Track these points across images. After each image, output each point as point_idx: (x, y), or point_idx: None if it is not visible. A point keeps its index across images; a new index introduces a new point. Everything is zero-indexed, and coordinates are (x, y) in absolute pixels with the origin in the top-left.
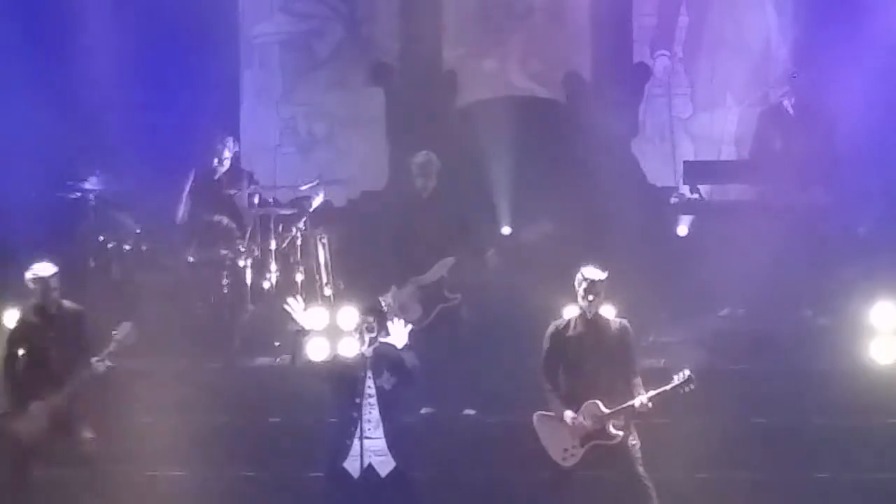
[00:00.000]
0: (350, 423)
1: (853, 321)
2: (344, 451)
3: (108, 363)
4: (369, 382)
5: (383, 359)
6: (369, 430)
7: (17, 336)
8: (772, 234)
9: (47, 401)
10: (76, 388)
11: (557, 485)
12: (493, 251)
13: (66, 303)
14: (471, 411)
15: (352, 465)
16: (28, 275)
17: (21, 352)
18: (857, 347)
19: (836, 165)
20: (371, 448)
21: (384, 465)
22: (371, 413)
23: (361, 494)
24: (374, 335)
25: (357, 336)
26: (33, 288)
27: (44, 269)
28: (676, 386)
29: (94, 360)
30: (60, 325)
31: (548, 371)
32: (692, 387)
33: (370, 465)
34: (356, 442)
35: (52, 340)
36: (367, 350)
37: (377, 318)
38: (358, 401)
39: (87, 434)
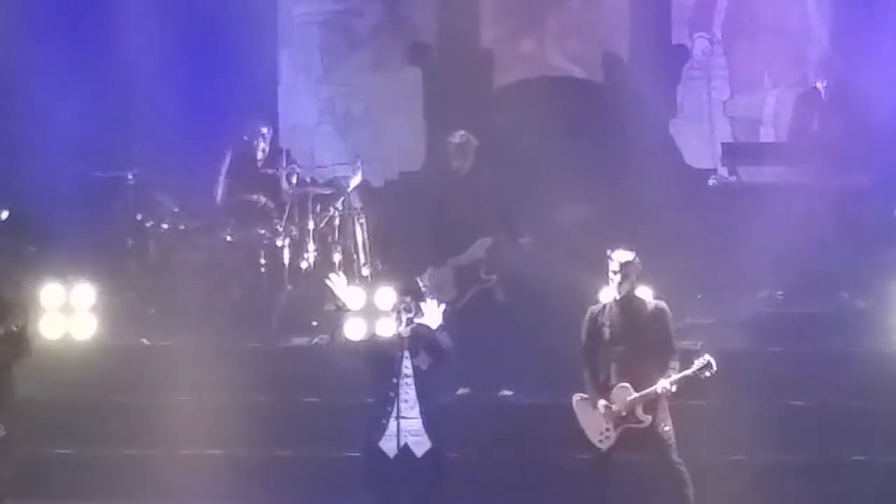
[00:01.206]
0: (387, 403)
1: (891, 304)
2: (380, 431)
3: None
4: (406, 362)
5: (420, 339)
6: (406, 409)
7: None
8: (809, 217)
9: None
10: None
11: (595, 466)
12: (526, 237)
13: None
14: (508, 392)
15: (388, 445)
16: None
17: None
18: (894, 329)
19: (873, 148)
20: (407, 428)
21: (420, 445)
22: (408, 393)
23: (397, 474)
24: (411, 315)
25: (394, 316)
26: None
27: None
28: (696, 371)
29: None
30: None
31: (586, 357)
32: (712, 371)
33: (406, 445)
34: (393, 422)
35: None
36: (405, 330)
37: (414, 299)
38: (395, 381)
39: None
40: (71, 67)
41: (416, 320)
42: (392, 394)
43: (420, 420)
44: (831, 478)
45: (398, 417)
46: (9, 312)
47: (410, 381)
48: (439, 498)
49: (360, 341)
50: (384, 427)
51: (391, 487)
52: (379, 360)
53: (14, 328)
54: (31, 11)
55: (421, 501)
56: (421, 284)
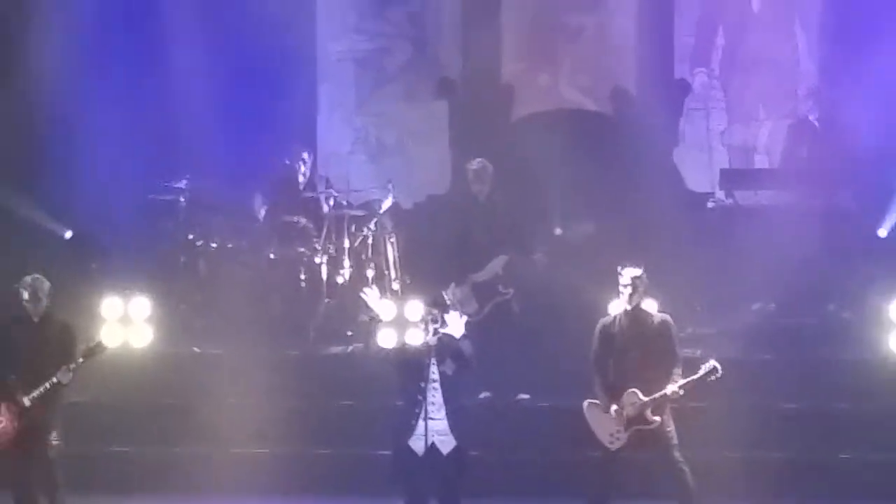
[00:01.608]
0: (415, 406)
1: (874, 315)
2: (409, 431)
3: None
4: (433, 368)
5: (445, 347)
6: (433, 411)
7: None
8: (799, 236)
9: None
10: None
11: (605, 465)
12: (540, 254)
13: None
14: (525, 396)
15: (416, 444)
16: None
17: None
18: (878, 339)
19: (857, 173)
20: (434, 428)
21: (445, 444)
22: (435, 396)
23: (425, 471)
24: (437, 325)
25: (422, 326)
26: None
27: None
28: (703, 375)
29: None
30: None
31: (597, 364)
32: (718, 376)
33: (433, 444)
34: (421, 422)
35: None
36: (432, 339)
37: (440, 311)
38: (423, 385)
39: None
40: (126, 100)
41: (442, 330)
42: (420, 397)
43: (446, 421)
44: (820, 475)
45: (426, 419)
46: (73, 340)
47: (437, 385)
48: (462, 491)
49: (392, 349)
50: (413, 427)
51: (420, 481)
52: (409, 366)
53: (79, 360)
54: (89, 48)
55: (446, 494)
56: (446, 298)
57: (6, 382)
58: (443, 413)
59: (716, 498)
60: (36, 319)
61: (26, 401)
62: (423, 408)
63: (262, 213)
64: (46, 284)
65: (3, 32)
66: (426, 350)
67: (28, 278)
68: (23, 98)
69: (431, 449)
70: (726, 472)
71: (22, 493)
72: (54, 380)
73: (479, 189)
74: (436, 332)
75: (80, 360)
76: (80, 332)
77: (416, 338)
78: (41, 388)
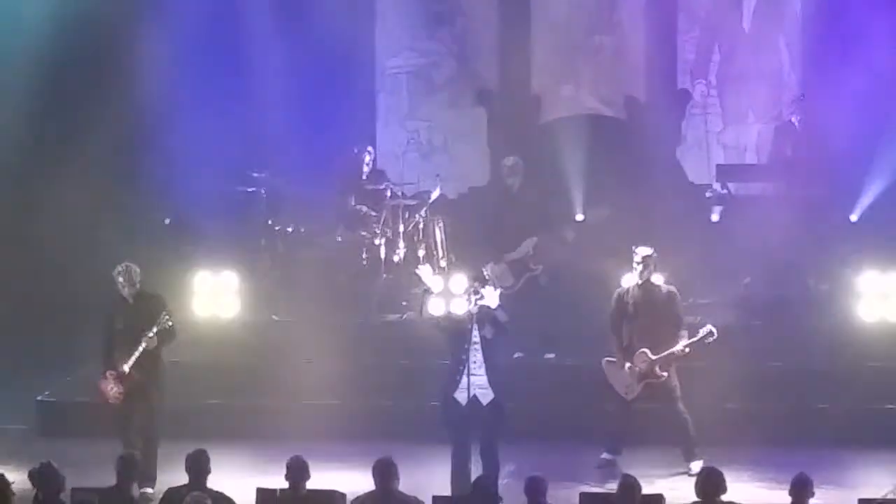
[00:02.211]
0: (460, 364)
1: (846, 287)
2: (455, 385)
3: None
4: (475, 332)
5: (485, 315)
6: (474, 369)
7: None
8: (783, 221)
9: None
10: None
11: (620, 414)
12: (571, 231)
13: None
14: (551, 355)
15: (461, 396)
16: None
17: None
18: (849, 307)
19: (833, 168)
20: (476, 383)
21: (485, 396)
22: (476, 356)
23: (468, 419)
24: (478, 297)
25: (466, 297)
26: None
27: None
28: (701, 338)
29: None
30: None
31: (613, 328)
32: (714, 338)
33: (475, 396)
34: (464, 378)
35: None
36: (474, 308)
37: (480, 284)
38: (466, 346)
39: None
40: (217, 105)
41: (480, 302)
42: (464, 357)
43: (485, 377)
44: (800, 421)
45: (468, 375)
46: (162, 309)
47: (478, 346)
48: (500, 436)
49: (440, 316)
50: (458, 382)
51: (464, 428)
52: (454, 331)
53: (168, 324)
54: (186, 59)
55: (486, 439)
56: (485, 274)
57: (112, 356)
58: (483, 370)
59: (713, 442)
60: (131, 301)
61: (125, 367)
62: (467, 366)
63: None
64: (136, 269)
65: (110, 39)
66: (469, 317)
67: (119, 266)
68: (128, 101)
69: (473, 400)
70: (722, 421)
71: (126, 440)
72: (142, 346)
73: (512, 182)
74: (476, 302)
75: (165, 320)
76: (171, 302)
77: (461, 307)
78: (135, 355)
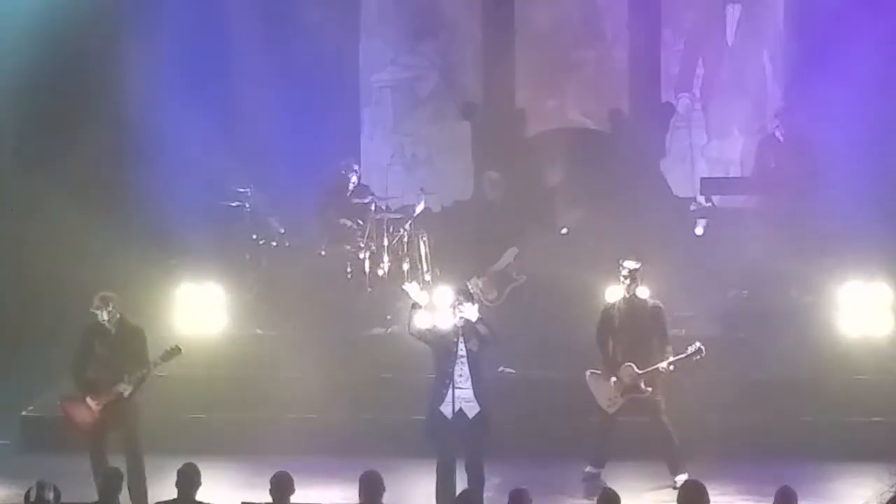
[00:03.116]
0: (446, 377)
1: (829, 300)
2: (440, 399)
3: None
4: (461, 345)
5: (471, 328)
6: (460, 382)
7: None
8: (767, 233)
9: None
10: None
11: (604, 425)
12: (565, 228)
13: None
14: (510, 370)
15: (446, 409)
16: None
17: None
18: (832, 320)
19: (815, 180)
20: (461, 396)
21: (471, 409)
22: (462, 369)
23: (454, 432)
24: (461, 311)
25: (451, 311)
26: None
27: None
28: (689, 355)
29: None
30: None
31: (599, 340)
32: (702, 356)
33: (461, 409)
34: (450, 391)
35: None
36: (459, 321)
37: (466, 298)
38: (452, 360)
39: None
40: (200, 124)
41: (461, 315)
42: (450, 370)
43: (471, 390)
44: (785, 434)
45: (454, 388)
46: (143, 346)
47: (464, 360)
48: (484, 449)
49: (427, 330)
50: (444, 396)
51: (449, 442)
52: (441, 344)
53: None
54: (172, 81)
55: (472, 452)
56: (469, 287)
57: (87, 380)
58: (469, 383)
59: (696, 455)
60: (112, 328)
61: (103, 398)
62: (452, 379)
63: (318, 214)
64: (112, 297)
65: (97, 49)
66: (455, 331)
67: (96, 300)
68: (113, 113)
69: (459, 413)
70: (705, 434)
71: (97, 462)
72: (118, 391)
73: (494, 196)
74: (462, 315)
75: (160, 361)
76: (155, 318)
77: (445, 321)
78: (107, 397)
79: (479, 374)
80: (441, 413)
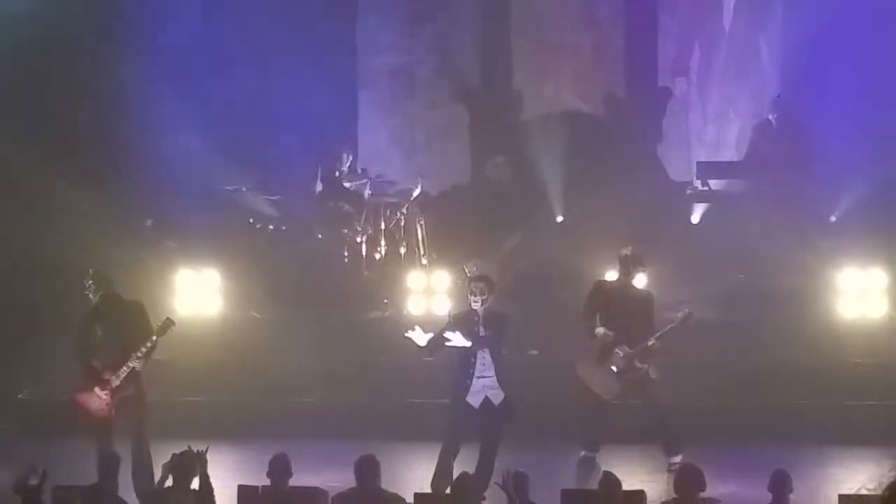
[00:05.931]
0: (469, 367)
1: (826, 284)
2: (465, 389)
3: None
4: (482, 331)
5: (491, 315)
6: (483, 370)
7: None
8: (763, 217)
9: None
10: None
11: (599, 410)
12: (562, 217)
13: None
14: (534, 352)
15: (473, 399)
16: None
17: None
18: (829, 304)
19: (811, 165)
20: (486, 384)
21: (496, 396)
22: (484, 357)
23: (477, 419)
24: (485, 297)
25: (471, 296)
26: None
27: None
28: (681, 321)
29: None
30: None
31: (586, 312)
32: (693, 319)
33: (486, 397)
34: (475, 380)
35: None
36: (480, 308)
37: (484, 283)
38: (473, 348)
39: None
40: (199, 108)
41: (448, 345)
42: (472, 359)
43: (495, 378)
44: (779, 418)
45: (478, 377)
46: (143, 316)
47: (486, 347)
48: (503, 436)
49: (441, 335)
50: (468, 385)
51: (464, 428)
52: (462, 332)
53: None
54: (170, 66)
55: (488, 438)
56: (466, 271)
57: (94, 368)
58: (492, 371)
59: (692, 439)
60: (110, 307)
61: (114, 380)
62: (475, 367)
63: (314, 198)
64: (105, 275)
65: (92, 37)
66: (474, 318)
67: (86, 281)
68: (109, 100)
69: (485, 402)
70: (701, 417)
71: (105, 451)
72: (131, 364)
73: (496, 180)
74: (483, 302)
75: (154, 338)
76: (153, 301)
77: (441, 306)
78: (123, 371)
79: (501, 360)
80: (468, 404)
